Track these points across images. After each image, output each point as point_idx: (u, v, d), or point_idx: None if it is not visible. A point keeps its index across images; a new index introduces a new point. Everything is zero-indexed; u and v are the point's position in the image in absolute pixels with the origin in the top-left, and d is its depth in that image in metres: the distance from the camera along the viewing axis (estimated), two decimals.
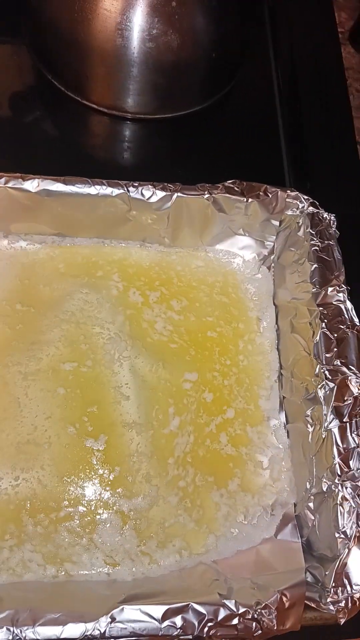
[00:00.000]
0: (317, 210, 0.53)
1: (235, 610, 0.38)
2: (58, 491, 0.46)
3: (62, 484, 0.46)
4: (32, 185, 0.49)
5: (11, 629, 0.36)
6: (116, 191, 0.50)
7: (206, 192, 0.52)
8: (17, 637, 0.36)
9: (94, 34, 0.54)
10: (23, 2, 0.62)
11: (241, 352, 0.54)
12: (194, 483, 0.48)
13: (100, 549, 0.44)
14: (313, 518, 0.45)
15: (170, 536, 0.46)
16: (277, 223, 0.54)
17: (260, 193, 0.52)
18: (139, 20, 0.53)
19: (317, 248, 0.51)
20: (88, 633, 0.36)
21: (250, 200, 0.52)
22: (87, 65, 0.58)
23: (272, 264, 0.56)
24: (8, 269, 0.52)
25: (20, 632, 0.36)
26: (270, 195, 0.53)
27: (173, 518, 0.46)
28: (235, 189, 0.52)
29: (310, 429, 0.47)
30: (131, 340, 0.51)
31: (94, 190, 0.50)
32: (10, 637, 0.36)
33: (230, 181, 0.53)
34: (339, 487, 0.43)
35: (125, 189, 0.50)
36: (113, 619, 0.37)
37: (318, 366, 0.47)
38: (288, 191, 0.53)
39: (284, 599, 0.39)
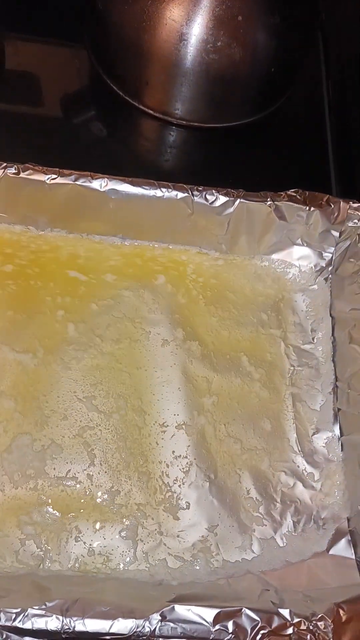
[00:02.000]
0: None
1: (289, 619, 0.37)
2: (109, 487, 0.45)
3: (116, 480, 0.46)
4: (101, 184, 0.50)
5: (60, 618, 0.35)
6: (181, 194, 0.51)
7: (269, 199, 0.52)
8: (67, 627, 0.35)
9: (158, 43, 0.56)
10: (88, 7, 0.64)
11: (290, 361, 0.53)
12: (243, 487, 0.47)
13: (145, 549, 0.44)
14: None
15: (217, 540, 0.45)
16: (337, 234, 0.54)
17: (323, 202, 0.53)
18: (204, 32, 0.55)
19: None
20: (138, 630, 0.35)
21: (312, 209, 0.52)
22: (148, 72, 0.60)
23: (330, 275, 0.56)
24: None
25: (70, 622, 0.35)
26: (332, 206, 0.53)
27: (220, 521, 0.45)
28: (298, 197, 0.53)
29: None
30: (184, 343, 0.51)
31: (159, 192, 0.51)
32: (60, 626, 0.35)
33: (292, 190, 0.53)
34: None
35: (190, 193, 0.51)
36: (164, 618, 0.36)
37: None
38: (351, 202, 0.53)
39: (341, 612, 0.38)
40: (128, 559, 0.44)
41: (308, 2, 0.60)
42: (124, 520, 0.45)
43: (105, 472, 0.46)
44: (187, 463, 0.47)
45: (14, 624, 0.35)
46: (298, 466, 0.49)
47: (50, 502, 0.44)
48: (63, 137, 0.63)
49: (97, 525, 0.44)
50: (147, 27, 0.55)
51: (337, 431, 0.50)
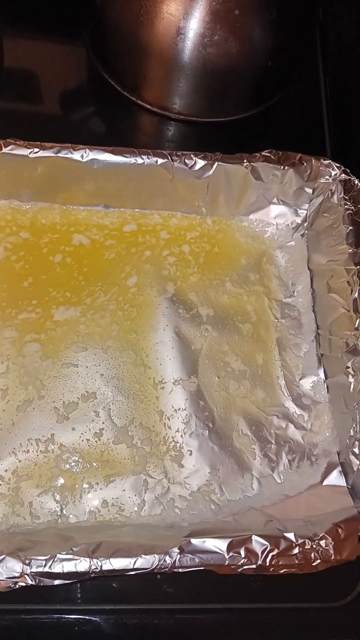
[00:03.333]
0: (350, 177, 0.55)
1: (294, 541, 0.41)
2: (115, 442, 0.48)
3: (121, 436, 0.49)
4: (82, 154, 0.51)
5: (87, 560, 0.38)
6: (161, 160, 0.53)
7: (245, 161, 0.54)
8: (94, 567, 0.38)
9: (156, 37, 0.56)
10: (86, 3, 0.64)
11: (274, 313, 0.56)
12: (240, 433, 0.51)
13: (155, 497, 0.47)
14: (358, 462, 0.47)
15: (220, 482, 0.48)
16: (310, 191, 0.57)
17: (296, 161, 0.55)
18: (201, 26, 0.55)
19: (351, 212, 0.54)
20: (160, 563, 0.39)
21: (286, 168, 0.55)
22: (146, 67, 0.61)
23: (305, 231, 0.59)
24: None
25: (97, 562, 0.38)
26: (305, 164, 0.55)
27: (221, 465, 0.49)
28: (272, 157, 0.55)
29: (352, 380, 0.49)
30: (174, 304, 0.54)
31: (139, 159, 0.52)
32: (88, 567, 0.38)
33: (267, 151, 0.55)
34: None
35: (169, 158, 0.53)
36: (182, 551, 0.40)
37: (358, 320, 0.49)
38: (322, 159, 0.55)
39: (339, 530, 0.42)
40: (140, 507, 0.47)
41: None
42: (133, 471, 0.48)
43: (111, 429, 0.49)
44: (186, 415, 0.50)
45: (45, 569, 0.38)
46: (288, 409, 0.53)
47: (61, 461, 0.47)
48: (62, 133, 0.62)
49: (108, 479, 0.47)
50: (145, 22, 0.55)
51: (322, 375, 0.54)
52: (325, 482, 0.49)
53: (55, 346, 0.51)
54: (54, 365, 0.50)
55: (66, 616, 0.44)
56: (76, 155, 0.51)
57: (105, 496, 0.47)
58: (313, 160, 0.55)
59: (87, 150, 0.51)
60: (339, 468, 0.49)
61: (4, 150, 0.50)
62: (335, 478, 0.49)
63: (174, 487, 0.48)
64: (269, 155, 0.55)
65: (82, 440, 0.48)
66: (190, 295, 0.55)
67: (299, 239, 0.59)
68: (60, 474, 0.47)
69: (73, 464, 0.47)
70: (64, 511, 0.46)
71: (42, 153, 0.51)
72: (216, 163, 0.54)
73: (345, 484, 0.49)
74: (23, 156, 0.50)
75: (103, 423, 0.49)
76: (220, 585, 0.45)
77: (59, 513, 0.45)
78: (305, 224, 0.59)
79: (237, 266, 0.58)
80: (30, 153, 0.50)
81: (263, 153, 0.55)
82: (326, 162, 0.56)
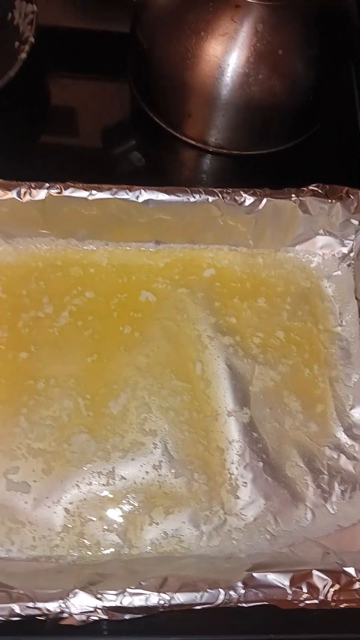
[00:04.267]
0: None
1: (354, 575, 0.42)
2: (174, 474, 0.50)
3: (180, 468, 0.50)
4: (137, 195, 0.53)
5: (156, 594, 0.40)
6: (212, 198, 0.54)
7: (293, 195, 0.55)
8: (163, 602, 0.40)
9: (202, 78, 0.58)
10: (131, 46, 0.66)
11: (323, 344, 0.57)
12: (293, 464, 0.52)
13: (212, 528, 0.48)
14: None
15: (275, 513, 0.49)
16: (357, 222, 0.58)
17: (343, 194, 0.56)
18: (246, 66, 0.57)
19: None
20: (226, 598, 0.40)
21: (333, 201, 0.56)
22: (191, 105, 0.63)
23: (352, 261, 0.60)
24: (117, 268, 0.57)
25: (165, 597, 0.40)
26: (352, 197, 0.56)
27: (275, 496, 0.50)
28: (320, 191, 0.56)
29: None
30: (224, 337, 0.55)
31: (192, 198, 0.54)
32: (157, 602, 0.40)
33: (313, 185, 0.57)
34: None
35: (220, 196, 0.54)
36: (246, 585, 0.41)
37: None
38: None
39: None
40: (198, 538, 0.48)
41: (342, 32, 0.62)
42: (190, 503, 0.49)
43: (168, 461, 0.50)
44: (240, 446, 0.52)
45: (116, 604, 0.40)
46: (340, 440, 0.54)
47: (122, 493, 0.49)
48: (104, 167, 0.66)
49: (167, 511, 0.49)
50: (191, 64, 0.57)
51: None
52: None
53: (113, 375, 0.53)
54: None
55: None
56: (132, 196, 0.53)
57: (165, 528, 0.48)
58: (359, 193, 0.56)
59: (142, 190, 0.53)
60: None
61: (64, 193, 0.52)
62: None
63: (231, 519, 0.49)
64: (316, 189, 0.56)
65: (142, 473, 0.50)
66: (240, 327, 0.57)
67: (346, 269, 0.60)
68: (121, 506, 0.48)
69: (134, 496, 0.49)
70: (126, 543, 0.47)
71: (100, 195, 0.53)
72: (265, 199, 0.55)
73: None
74: (82, 198, 0.53)
75: (162, 455, 0.50)
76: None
77: (121, 545, 0.47)
78: (352, 254, 0.59)
79: (285, 297, 0.59)
80: (88, 195, 0.52)
81: (310, 187, 0.56)
82: None
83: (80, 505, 0.48)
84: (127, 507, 0.48)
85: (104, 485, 0.49)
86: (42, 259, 0.57)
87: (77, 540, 0.47)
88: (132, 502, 0.49)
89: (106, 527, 0.48)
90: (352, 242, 0.59)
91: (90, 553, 0.47)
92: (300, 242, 0.60)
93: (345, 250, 0.60)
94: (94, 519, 0.48)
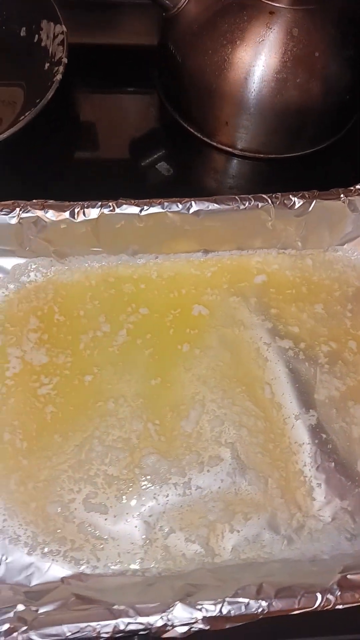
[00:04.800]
0: None
1: None
2: (251, 481, 0.50)
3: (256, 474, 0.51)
4: (188, 207, 0.54)
5: (253, 602, 0.40)
6: (261, 204, 0.55)
7: (342, 196, 0.56)
8: (261, 609, 0.40)
9: (239, 86, 0.59)
10: (164, 58, 0.67)
11: None
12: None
13: (292, 531, 0.49)
14: None
15: (352, 512, 0.50)
16: None
17: None
18: (283, 71, 0.58)
19: None
20: (324, 602, 0.40)
21: None
22: (227, 113, 0.63)
23: None
24: (166, 282, 0.58)
25: (262, 604, 0.40)
26: None
27: (350, 495, 0.50)
28: None
29: None
30: (282, 341, 0.56)
31: (241, 205, 0.55)
32: (256, 609, 0.40)
33: (359, 184, 0.57)
34: None
35: (269, 202, 0.55)
36: (341, 587, 0.41)
37: None
38: None
39: None
40: (279, 543, 0.48)
41: None
42: (268, 508, 0.49)
43: (242, 468, 0.50)
44: (310, 448, 0.52)
45: (216, 614, 0.40)
46: None
47: (200, 503, 0.49)
48: (138, 179, 0.67)
49: (246, 517, 0.49)
50: (227, 73, 0.58)
51: None
52: None
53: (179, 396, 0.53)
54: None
55: None
56: (182, 208, 0.54)
57: (246, 534, 0.48)
58: None
59: (193, 202, 0.54)
60: None
61: (117, 210, 0.53)
62: None
63: (309, 521, 0.49)
64: None
65: (217, 482, 0.50)
66: (295, 330, 0.57)
67: None
68: (200, 515, 0.49)
69: (212, 505, 0.49)
70: (209, 552, 0.47)
71: (151, 210, 0.53)
72: (314, 200, 0.56)
73: None
74: (134, 214, 0.53)
75: (234, 463, 0.51)
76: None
77: (204, 554, 0.47)
78: None
79: (337, 296, 0.59)
80: (140, 211, 0.53)
81: (357, 187, 0.57)
82: None
83: (160, 517, 0.48)
84: (206, 516, 0.49)
85: (180, 495, 0.49)
86: (95, 276, 0.57)
87: (160, 553, 0.47)
88: (211, 511, 0.49)
89: (187, 537, 0.48)
90: None
91: (174, 564, 0.47)
92: (349, 241, 0.60)
93: None
94: (175, 530, 0.48)
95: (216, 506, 0.49)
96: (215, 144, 0.67)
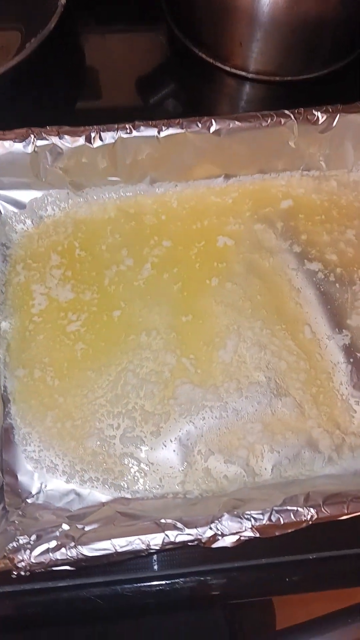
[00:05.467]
0: None
1: None
2: (291, 403, 0.49)
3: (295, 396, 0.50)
4: (209, 126, 0.52)
5: (302, 509, 0.40)
6: (284, 120, 0.53)
7: None
8: (311, 515, 0.39)
9: (254, 3, 0.56)
10: None
11: None
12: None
13: (333, 448, 0.48)
14: None
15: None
16: None
17: None
18: None
19: None
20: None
21: None
22: (241, 32, 0.60)
23: None
24: (188, 212, 0.56)
25: (311, 510, 0.40)
26: None
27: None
28: None
29: None
30: (311, 264, 0.54)
31: (264, 122, 0.52)
32: (305, 516, 0.39)
33: None
34: None
35: (293, 117, 0.53)
36: None
37: None
38: None
39: None
40: (320, 460, 0.48)
41: None
42: (306, 428, 0.49)
43: (277, 390, 0.50)
44: (346, 367, 0.51)
45: (265, 522, 0.39)
46: None
47: (237, 425, 0.48)
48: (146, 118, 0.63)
49: (285, 437, 0.48)
50: None
51: None
52: None
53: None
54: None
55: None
56: (203, 128, 0.52)
57: (286, 454, 0.48)
58: None
59: (213, 120, 0.52)
60: None
61: (134, 133, 0.51)
62: None
63: (349, 438, 0.49)
64: None
65: (253, 405, 0.49)
66: (325, 251, 0.55)
67: None
68: (238, 437, 0.48)
69: (250, 426, 0.48)
70: (249, 472, 0.47)
71: (170, 131, 0.51)
72: (338, 114, 0.53)
73: None
74: (152, 137, 0.51)
75: (271, 385, 0.50)
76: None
77: (244, 474, 0.47)
78: None
79: None
80: (159, 132, 0.51)
81: None
82: None
83: (198, 440, 0.48)
84: (244, 438, 0.48)
85: (217, 418, 0.48)
86: (113, 208, 0.56)
87: (200, 475, 0.47)
88: (249, 432, 0.48)
89: (227, 459, 0.47)
90: None
91: (216, 485, 0.46)
92: None
93: None
94: (214, 452, 0.47)
95: (254, 427, 0.48)
96: (228, 68, 0.64)
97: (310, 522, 0.39)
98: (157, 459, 0.47)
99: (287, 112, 0.53)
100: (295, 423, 0.49)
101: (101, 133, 0.51)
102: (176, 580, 0.45)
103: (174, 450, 0.47)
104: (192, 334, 0.52)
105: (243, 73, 0.64)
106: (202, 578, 0.45)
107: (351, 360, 0.51)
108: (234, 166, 0.56)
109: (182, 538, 0.38)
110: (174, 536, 0.38)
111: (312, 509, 0.39)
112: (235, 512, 0.39)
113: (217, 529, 0.38)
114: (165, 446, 0.47)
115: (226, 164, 0.56)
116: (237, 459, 0.47)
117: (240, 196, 0.57)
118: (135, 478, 0.46)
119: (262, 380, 0.50)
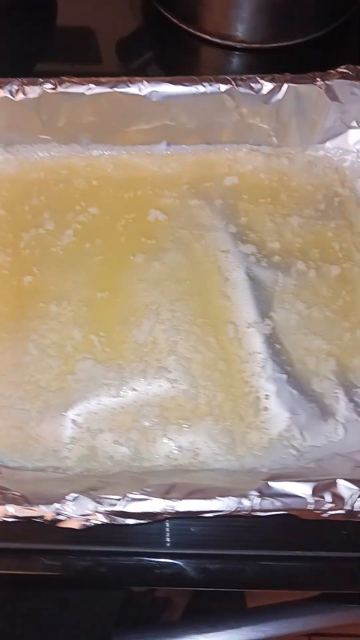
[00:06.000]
0: None
1: None
2: (190, 387, 0.46)
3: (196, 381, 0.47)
4: (139, 87, 0.48)
5: (161, 500, 0.37)
6: (224, 86, 0.49)
7: (318, 79, 0.49)
8: (168, 508, 0.37)
9: None
10: None
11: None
12: (322, 377, 0.47)
13: (231, 442, 0.44)
14: None
15: (302, 428, 0.45)
16: None
17: None
18: None
19: None
20: (238, 506, 0.36)
21: None
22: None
23: None
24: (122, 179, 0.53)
25: (170, 503, 0.37)
26: None
27: (301, 410, 0.45)
28: (350, 73, 0.49)
29: None
30: (245, 246, 0.51)
31: (201, 87, 0.49)
32: (162, 508, 0.37)
33: (343, 66, 0.50)
34: None
35: (233, 84, 0.49)
36: (262, 494, 0.37)
37: None
38: None
39: None
40: (216, 452, 0.44)
41: None
42: (207, 417, 0.45)
43: (185, 373, 0.46)
44: (262, 358, 0.47)
45: (117, 508, 0.37)
46: None
47: (134, 406, 0.46)
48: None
49: (183, 424, 0.45)
50: None
51: None
52: None
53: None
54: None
55: (146, 559, 0.43)
56: (133, 89, 0.48)
57: (180, 442, 0.45)
58: None
59: (145, 82, 0.48)
60: None
61: (59, 89, 0.48)
62: None
63: (252, 433, 0.45)
64: (345, 71, 0.50)
65: (154, 387, 0.46)
66: (264, 236, 0.52)
67: None
68: (133, 419, 0.45)
69: (147, 409, 0.45)
70: (137, 456, 0.44)
71: (98, 89, 0.48)
72: (286, 84, 0.49)
73: None
74: (79, 94, 0.48)
75: (177, 369, 0.46)
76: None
77: (132, 457, 0.44)
78: None
79: (316, 200, 0.53)
80: (86, 90, 0.48)
81: (339, 69, 0.50)
82: None
83: (89, 417, 0.45)
84: (139, 420, 0.45)
85: (113, 397, 0.46)
86: (44, 168, 0.53)
87: (85, 453, 0.44)
88: (145, 415, 0.45)
89: (117, 440, 0.45)
90: None
91: (98, 464, 0.44)
92: (331, 138, 0.54)
93: None
94: (104, 431, 0.45)
95: (152, 411, 0.46)
96: (201, 34, 0.60)
97: (166, 516, 0.37)
98: (43, 431, 0.45)
99: (228, 77, 0.49)
100: (196, 412, 0.46)
101: (24, 86, 0.48)
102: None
103: (62, 425, 0.45)
104: (107, 311, 0.49)
105: (215, 39, 0.60)
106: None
107: (269, 351, 0.47)
108: (175, 134, 0.53)
109: (25, 513, 0.36)
110: (17, 510, 0.36)
111: (170, 502, 0.37)
112: (90, 494, 0.37)
113: (63, 509, 0.36)
114: (54, 419, 0.45)
115: (167, 132, 0.53)
116: (127, 440, 0.45)
117: (180, 166, 0.54)
118: (17, 447, 0.45)
119: (171, 365, 0.47)
